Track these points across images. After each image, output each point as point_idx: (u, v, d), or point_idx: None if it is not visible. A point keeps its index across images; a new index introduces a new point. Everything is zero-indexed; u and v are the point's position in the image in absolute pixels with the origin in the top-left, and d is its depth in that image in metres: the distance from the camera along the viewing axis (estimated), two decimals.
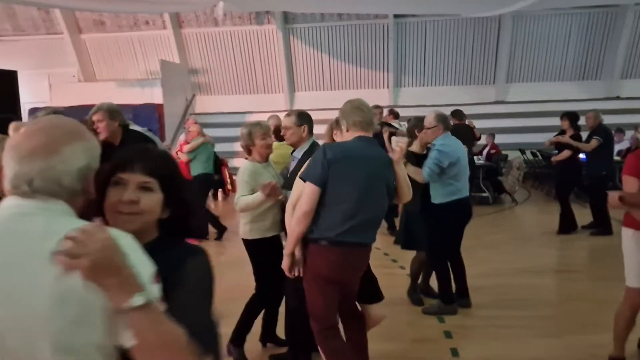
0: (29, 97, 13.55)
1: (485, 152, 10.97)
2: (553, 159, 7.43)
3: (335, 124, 3.08)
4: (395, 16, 12.83)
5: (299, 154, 3.48)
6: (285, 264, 2.85)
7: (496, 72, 13.27)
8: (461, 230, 4.45)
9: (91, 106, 12.83)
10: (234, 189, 7.53)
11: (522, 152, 11.72)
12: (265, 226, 3.50)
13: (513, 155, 11.01)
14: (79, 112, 12.75)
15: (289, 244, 2.81)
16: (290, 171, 3.56)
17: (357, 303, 3.37)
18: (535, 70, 13.16)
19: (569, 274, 5.66)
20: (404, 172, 2.99)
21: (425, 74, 13.48)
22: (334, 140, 3.09)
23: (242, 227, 3.56)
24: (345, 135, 2.86)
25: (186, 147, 7.10)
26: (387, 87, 13.64)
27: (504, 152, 11.18)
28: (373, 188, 2.73)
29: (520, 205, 9.61)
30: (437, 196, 4.19)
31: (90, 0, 10.76)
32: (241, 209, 3.44)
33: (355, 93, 12.65)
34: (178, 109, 13.48)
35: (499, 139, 11.51)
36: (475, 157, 10.38)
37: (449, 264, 4.39)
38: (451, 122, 8.13)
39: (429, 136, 4.27)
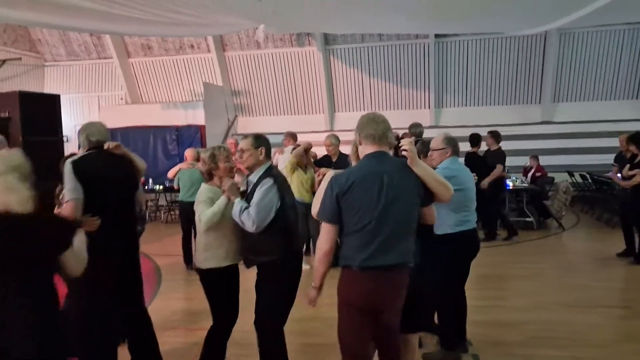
0: (80, 119, 14.18)
1: (530, 174, 10.58)
2: (625, 183, 6.79)
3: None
4: (437, 36, 12.67)
5: (254, 177, 3.33)
6: (312, 295, 2.76)
7: (542, 91, 12.84)
8: (467, 266, 4.07)
9: (138, 127, 13.24)
10: None
11: (571, 174, 11.24)
12: (220, 255, 3.36)
13: (560, 178, 10.57)
14: (126, 133, 13.19)
15: (316, 279, 2.73)
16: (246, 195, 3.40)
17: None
18: (583, 89, 12.64)
19: (620, 310, 5.17)
20: (427, 170, 2.72)
21: (467, 94, 13.19)
22: (359, 158, 2.84)
23: (197, 256, 3.45)
24: (360, 149, 2.75)
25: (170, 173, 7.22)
26: (429, 108, 13.43)
27: (550, 175, 10.74)
28: (392, 204, 2.55)
29: (567, 231, 9.16)
30: (442, 226, 3.64)
31: (138, 25, 11.15)
32: (208, 221, 3.28)
33: (395, 113, 12.60)
34: (220, 130, 13.72)
35: (545, 160, 11.10)
36: (519, 180, 10.04)
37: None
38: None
39: (436, 159, 3.91)
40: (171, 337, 4.55)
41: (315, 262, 2.71)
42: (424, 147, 3.91)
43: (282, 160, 7.28)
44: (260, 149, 3.31)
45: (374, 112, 2.83)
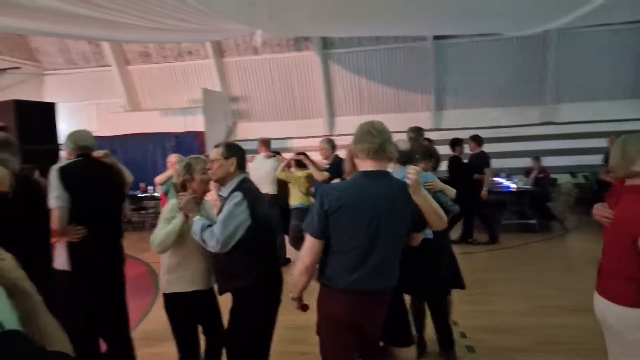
0: (79, 126, 14.08)
1: (532, 176, 10.49)
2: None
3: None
4: (435, 38, 12.61)
5: (226, 191, 2.94)
6: (295, 306, 2.69)
7: (543, 92, 12.76)
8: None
9: (137, 134, 13.13)
10: None
11: (573, 175, 11.16)
12: (185, 277, 3.00)
13: (562, 179, 10.49)
14: (125, 140, 13.10)
15: (295, 291, 2.63)
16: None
17: (383, 344, 3.14)
18: (584, 89, 12.55)
19: None
20: (427, 200, 2.52)
21: (467, 96, 13.11)
22: (353, 169, 2.70)
23: (161, 279, 3.09)
24: (356, 163, 2.55)
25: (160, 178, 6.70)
26: (429, 110, 13.36)
27: (552, 176, 10.65)
28: (383, 231, 2.40)
29: (570, 233, 9.07)
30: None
31: (136, 32, 11.12)
32: (160, 243, 2.91)
33: (395, 117, 12.52)
34: (219, 136, 13.65)
35: (547, 161, 11.02)
36: (521, 182, 9.96)
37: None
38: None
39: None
40: (167, 347, 4.46)
41: (296, 274, 2.58)
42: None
43: (253, 168, 7.20)
44: (230, 159, 2.95)
45: (371, 121, 2.55)
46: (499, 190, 9.51)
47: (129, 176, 3.55)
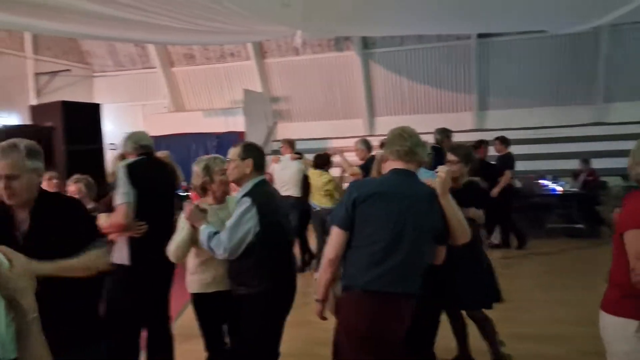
0: (125, 127, 14.57)
1: (580, 179, 10.06)
2: None
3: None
4: (479, 36, 12.30)
5: (240, 194, 2.87)
6: (317, 309, 2.61)
7: (593, 91, 12.23)
8: None
9: (180, 134, 13.39)
10: None
11: (625, 178, 10.63)
12: (205, 280, 3.05)
13: (613, 182, 10.01)
14: (169, 140, 13.42)
15: (319, 290, 2.56)
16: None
17: None
18: (638, 88, 11.95)
19: None
20: (453, 207, 2.52)
21: (512, 96, 12.72)
22: (379, 175, 2.78)
23: (186, 278, 3.18)
24: (386, 166, 2.57)
25: None
26: (471, 110, 13.05)
27: (602, 179, 10.19)
28: (408, 230, 2.37)
29: None
30: None
31: (180, 34, 11.38)
32: (173, 254, 2.97)
33: (436, 117, 12.28)
34: (260, 136, 13.78)
35: (597, 163, 10.53)
36: (568, 185, 9.59)
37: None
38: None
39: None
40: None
41: (320, 269, 2.55)
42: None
43: (278, 170, 7.09)
44: (247, 160, 2.87)
45: (403, 126, 2.60)
46: (544, 193, 9.17)
47: (180, 175, 3.73)
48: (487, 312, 3.86)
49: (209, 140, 12.83)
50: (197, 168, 3.11)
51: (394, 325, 2.46)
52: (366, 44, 13.19)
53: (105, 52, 15.05)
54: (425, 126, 5.43)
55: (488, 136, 9.06)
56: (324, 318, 2.62)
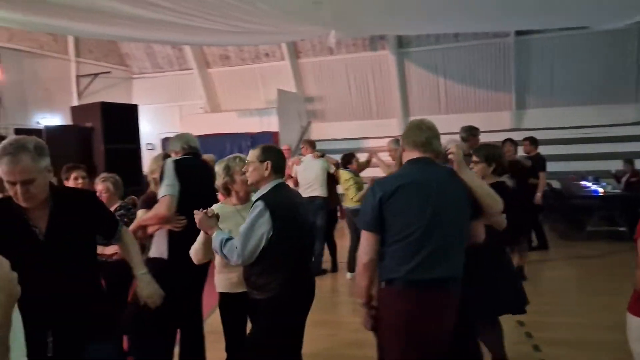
0: (163, 127, 14.90)
1: (623, 180, 9.70)
2: None
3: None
4: (517, 33, 12.02)
5: (256, 197, 2.82)
6: (364, 316, 2.53)
7: (637, 89, 11.78)
8: None
9: (215, 135, 13.59)
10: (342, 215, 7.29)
11: None
12: (231, 279, 3.03)
13: None
14: (204, 140, 13.71)
15: (360, 295, 2.51)
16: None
17: None
18: None
19: None
20: (474, 179, 2.54)
21: (551, 94, 12.38)
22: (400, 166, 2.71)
23: (215, 277, 3.20)
24: (404, 156, 2.58)
25: None
26: (509, 110, 12.76)
27: None
28: (439, 213, 2.36)
29: None
30: None
31: (215, 35, 11.56)
32: (193, 257, 3.00)
33: (473, 117, 12.06)
34: (293, 136, 13.85)
35: None
36: (610, 186, 9.27)
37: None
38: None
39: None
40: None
41: (356, 276, 2.51)
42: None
43: (301, 171, 6.97)
44: (265, 163, 2.79)
45: (422, 118, 2.62)
46: (585, 194, 8.87)
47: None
48: (520, 316, 3.74)
49: (244, 140, 12.96)
50: (218, 168, 3.12)
51: (436, 319, 2.41)
52: (401, 43, 13.08)
53: (144, 54, 15.42)
54: (460, 126, 5.34)
55: (526, 136, 8.83)
56: (373, 327, 2.54)
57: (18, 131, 8.43)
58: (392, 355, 2.45)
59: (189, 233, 3.14)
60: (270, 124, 13.18)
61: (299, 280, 2.83)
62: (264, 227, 2.65)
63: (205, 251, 2.94)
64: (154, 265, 3.14)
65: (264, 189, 2.80)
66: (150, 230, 3.32)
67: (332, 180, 6.89)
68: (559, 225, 7.92)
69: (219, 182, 3.10)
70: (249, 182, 2.90)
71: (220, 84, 15.33)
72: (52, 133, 7.70)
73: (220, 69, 15.10)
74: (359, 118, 14.29)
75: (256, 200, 2.74)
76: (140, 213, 3.50)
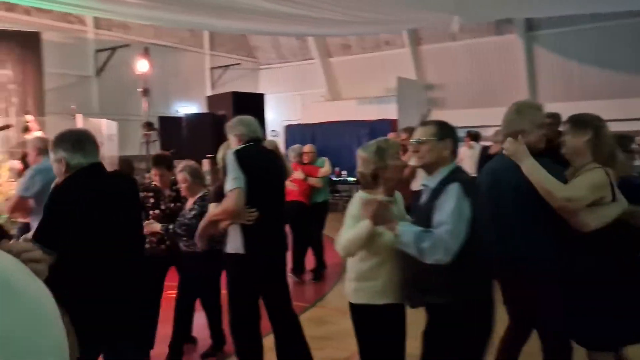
0: (285, 115, 15.63)
1: None
2: None
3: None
4: None
5: (433, 182, 2.34)
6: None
7: None
8: None
9: (335, 122, 13.92)
10: None
11: None
12: (375, 288, 2.45)
13: None
14: (324, 128, 14.10)
15: None
16: (413, 208, 2.55)
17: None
18: None
19: None
20: (533, 174, 2.46)
21: None
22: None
23: (347, 284, 2.61)
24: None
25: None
26: None
27: None
28: (508, 210, 2.56)
29: None
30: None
31: (338, 26, 11.87)
32: (343, 248, 2.42)
33: (609, 103, 11.13)
34: (412, 124, 13.72)
35: None
36: None
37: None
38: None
39: None
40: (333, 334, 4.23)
41: None
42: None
43: (470, 156, 6.83)
44: (445, 141, 2.33)
45: (522, 100, 2.78)
46: None
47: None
48: None
49: (362, 127, 13.16)
50: (365, 154, 2.52)
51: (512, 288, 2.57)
52: (530, 25, 12.37)
53: (270, 46, 16.25)
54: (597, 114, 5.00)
55: None
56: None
57: (162, 119, 9.35)
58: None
59: (263, 225, 3.08)
60: (388, 111, 13.22)
61: (487, 281, 2.37)
62: (466, 214, 2.19)
63: (363, 245, 2.39)
64: (231, 262, 3.19)
65: (442, 172, 2.33)
66: (222, 225, 3.17)
67: None
68: None
69: (366, 169, 2.51)
70: (420, 163, 2.40)
71: (341, 72, 15.66)
72: (191, 120, 8.47)
73: (342, 57, 15.43)
74: (481, 106, 13.76)
75: (447, 184, 2.25)
76: (212, 207, 3.35)
